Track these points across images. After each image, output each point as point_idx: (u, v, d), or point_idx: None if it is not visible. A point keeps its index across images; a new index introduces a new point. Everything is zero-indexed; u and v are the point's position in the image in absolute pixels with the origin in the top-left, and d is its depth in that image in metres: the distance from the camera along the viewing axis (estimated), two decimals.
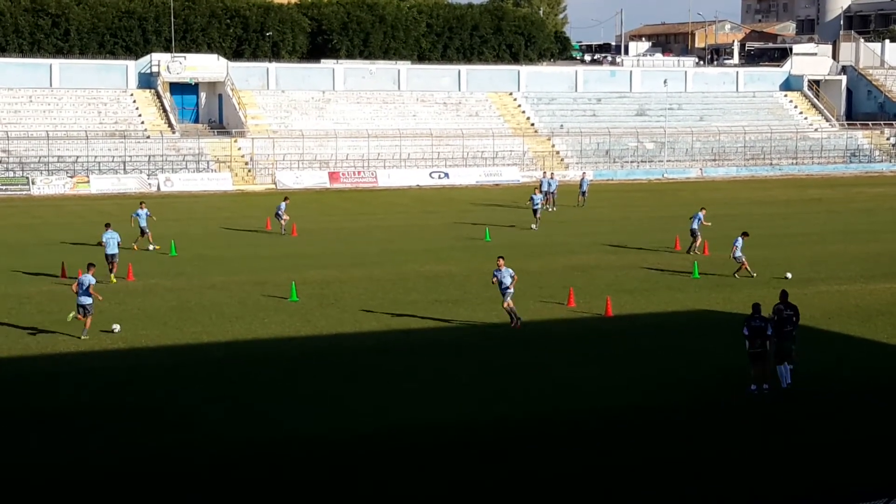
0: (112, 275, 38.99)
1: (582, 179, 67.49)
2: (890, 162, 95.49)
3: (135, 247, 45.30)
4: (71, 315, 30.73)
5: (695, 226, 45.98)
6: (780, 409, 24.24)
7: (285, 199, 52.69)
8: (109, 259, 39.33)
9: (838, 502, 19.03)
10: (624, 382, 26.39)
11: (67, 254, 43.28)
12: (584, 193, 65.21)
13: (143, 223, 46.52)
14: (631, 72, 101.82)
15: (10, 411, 24.04)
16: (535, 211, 54.61)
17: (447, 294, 36.90)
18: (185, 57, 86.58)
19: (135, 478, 20.06)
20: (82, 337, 29.99)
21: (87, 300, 30.22)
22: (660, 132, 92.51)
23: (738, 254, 40.01)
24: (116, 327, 31.10)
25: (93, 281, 30.57)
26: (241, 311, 34.09)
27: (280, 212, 51.36)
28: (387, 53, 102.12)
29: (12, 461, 20.84)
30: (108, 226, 40.47)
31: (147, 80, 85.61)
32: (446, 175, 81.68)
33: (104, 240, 39.75)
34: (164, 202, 68.57)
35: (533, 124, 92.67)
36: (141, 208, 47.15)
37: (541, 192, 63.11)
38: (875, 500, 18.52)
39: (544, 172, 72.79)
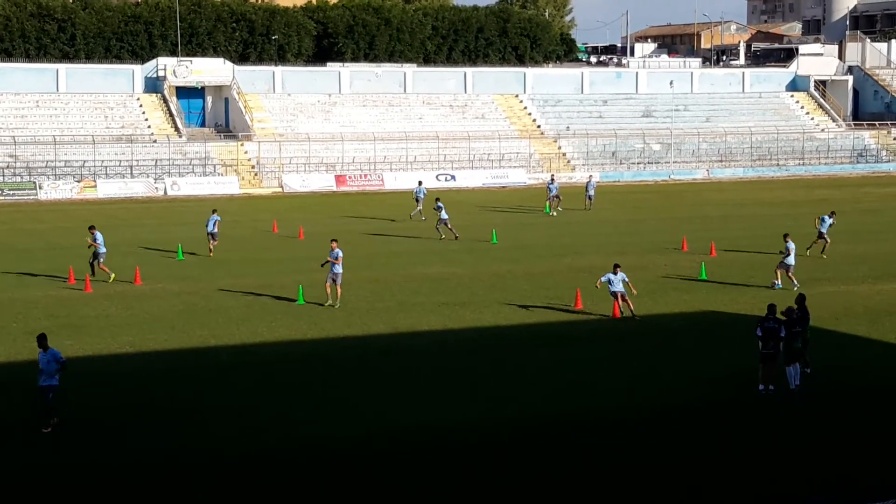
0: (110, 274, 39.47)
1: (588, 182, 66.88)
2: None
3: (212, 253, 45.94)
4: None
5: (823, 228, 45.13)
6: (788, 410, 24.21)
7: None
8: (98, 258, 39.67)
9: (845, 502, 18.99)
10: (631, 383, 26.37)
11: (75, 258, 43.27)
12: (590, 197, 64.58)
13: (213, 228, 46.26)
14: (637, 73, 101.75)
15: (17, 414, 24.08)
16: (441, 221, 50.85)
17: (454, 296, 36.89)
18: (191, 61, 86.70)
19: (142, 480, 20.09)
20: (336, 306, 34.78)
21: (339, 269, 35.14)
22: (666, 133, 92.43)
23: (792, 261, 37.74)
24: (333, 304, 34.83)
25: (341, 253, 35.41)
26: (248, 314, 34.12)
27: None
28: (392, 56, 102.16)
29: (22, 463, 20.88)
30: (92, 228, 40.33)
31: (153, 85, 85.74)
32: (453, 177, 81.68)
33: (98, 242, 39.73)
34: (171, 206, 68.70)
35: (539, 126, 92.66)
36: (214, 214, 47.08)
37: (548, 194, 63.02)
38: (884, 500, 18.49)
39: (552, 175, 72.82)
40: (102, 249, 39.78)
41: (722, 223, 54.49)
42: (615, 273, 33.06)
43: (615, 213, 63.47)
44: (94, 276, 39.37)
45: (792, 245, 37.66)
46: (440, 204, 51.48)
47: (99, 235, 40.00)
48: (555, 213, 61.72)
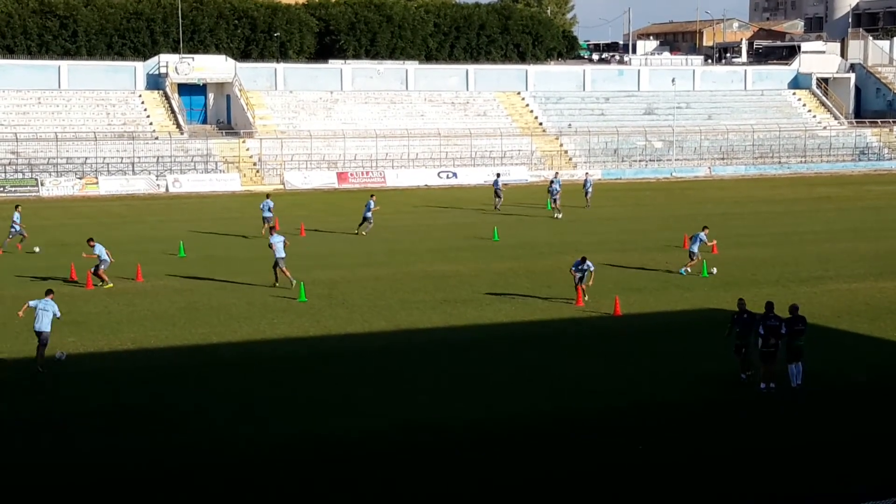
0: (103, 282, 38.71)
1: (585, 180, 66.53)
2: None
3: (263, 232, 49.47)
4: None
5: None
6: (790, 407, 24.21)
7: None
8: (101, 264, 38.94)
9: (847, 500, 18.99)
10: (633, 381, 26.37)
11: (76, 256, 43.29)
12: (587, 194, 64.30)
13: (269, 213, 51.11)
14: (639, 70, 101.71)
15: (18, 413, 24.10)
16: (365, 218, 51.72)
17: (455, 294, 36.89)
18: (192, 58, 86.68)
19: (142, 479, 20.10)
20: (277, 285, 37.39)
21: (280, 254, 37.63)
22: (668, 131, 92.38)
23: (695, 249, 40.49)
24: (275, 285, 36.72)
25: (276, 238, 38.04)
26: (250, 311, 34.12)
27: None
28: (394, 53, 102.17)
29: (22, 462, 20.89)
30: (90, 241, 39.76)
31: (155, 82, 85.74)
32: (454, 175, 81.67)
33: (96, 253, 39.13)
34: (173, 203, 68.71)
35: (541, 124, 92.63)
36: (267, 199, 52.25)
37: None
38: (883, 498, 18.49)
39: (556, 173, 72.63)
40: (105, 258, 38.63)
41: (724, 221, 54.45)
42: (582, 262, 35.16)
43: (617, 210, 63.44)
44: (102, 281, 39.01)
45: (702, 236, 40.85)
46: (371, 203, 51.91)
47: (99, 247, 38.79)
48: (558, 215, 59.22)
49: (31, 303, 27.74)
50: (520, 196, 70.29)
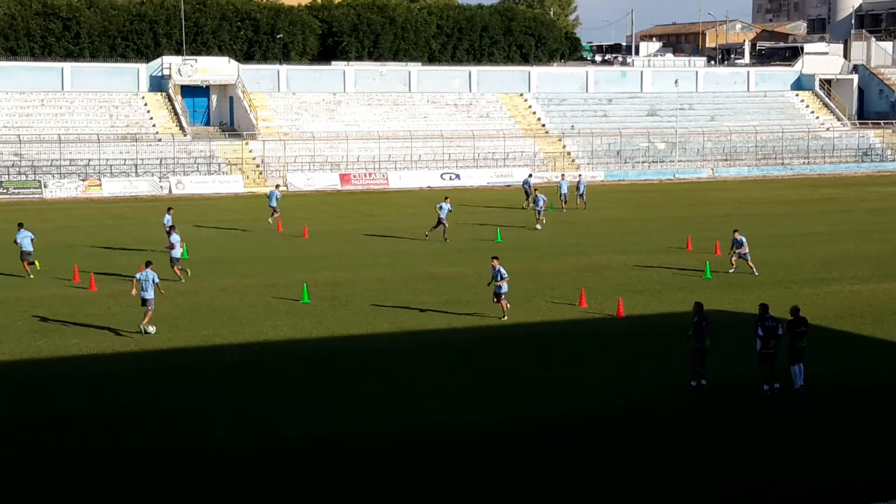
0: (30, 271, 40.44)
1: (578, 182, 66.53)
2: None
3: (270, 221, 54.26)
4: None
5: None
6: (793, 410, 24.20)
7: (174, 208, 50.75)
8: (25, 256, 40.48)
9: (847, 500, 18.99)
10: (636, 383, 26.35)
11: (79, 257, 43.39)
12: (581, 196, 64.18)
13: (274, 203, 54.61)
14: (642, 72, 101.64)
15: (21, 414, 24.13)
16: (440, 220, 49.97)
17: (458, 295, 36.90)
18: (196, 60, 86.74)
19: (145, 480, 20.12)
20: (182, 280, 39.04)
21: (175, 254, 39.82)
22: (671, 132, 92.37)
23: (745, 251, 40.65)
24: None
25: (172, 239, 39.96)
26: (253, 313, 34.14)
27: None
28: (397, 55, 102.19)
29: (24, 464, 20.91)
30: (20, 225, 41.46)
31: (158, 83, 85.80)
32: (457, 176, 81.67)
33: (18, 239, 40.67)
34: (176, 205, 68.66)
35: (544, 125, 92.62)
36: (276, 189, 56.21)
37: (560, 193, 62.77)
38: (883, 499, 18.50)
39: (562, 174, 72.57)
40: (26, 248, 40.46)
41: (726, 222, 54.40)
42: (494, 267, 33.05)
43: (620, 212, 63.42)
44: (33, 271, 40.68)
45: (742, 238, 40.98)
46: (447, 206, 50.42)
47: (20, 234, 40.61)
48: (538, 227, 54.85)
49: (138, 276, 31.23)
50: (522, 197, 70.21)
